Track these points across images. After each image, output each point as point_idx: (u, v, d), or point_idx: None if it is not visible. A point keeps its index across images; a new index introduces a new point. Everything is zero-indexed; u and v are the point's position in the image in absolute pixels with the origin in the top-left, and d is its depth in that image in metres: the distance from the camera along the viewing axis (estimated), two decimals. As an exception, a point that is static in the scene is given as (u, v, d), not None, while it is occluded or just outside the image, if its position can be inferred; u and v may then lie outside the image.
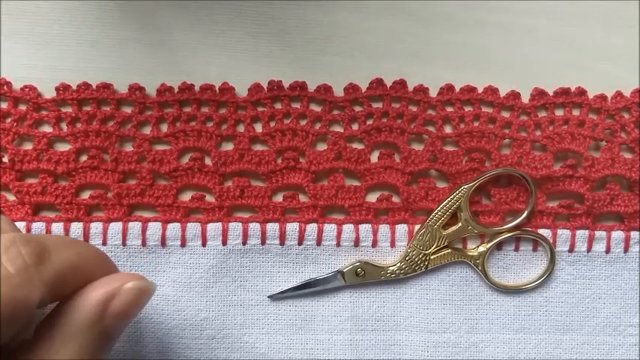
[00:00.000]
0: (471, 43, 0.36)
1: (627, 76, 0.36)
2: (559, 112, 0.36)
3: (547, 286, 0.36)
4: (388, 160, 0.36)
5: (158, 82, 0.35)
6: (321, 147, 0.36)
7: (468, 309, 0.36)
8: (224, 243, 0.35)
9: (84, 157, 0.35)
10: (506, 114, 0.36)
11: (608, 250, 0.36)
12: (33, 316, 0.26)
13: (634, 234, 0.36)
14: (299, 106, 0.36)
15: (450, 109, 0.36)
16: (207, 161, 0.36)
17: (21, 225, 0.34)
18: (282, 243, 0.35)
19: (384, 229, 0.36)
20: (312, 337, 0.36)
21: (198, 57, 0.36)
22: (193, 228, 0.35)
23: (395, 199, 0.36)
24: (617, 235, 0.36)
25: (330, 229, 0.36)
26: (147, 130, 0.36)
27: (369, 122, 0.36)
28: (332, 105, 0.36)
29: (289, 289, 0.35)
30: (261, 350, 0.35)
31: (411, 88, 0.36)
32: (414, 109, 0.36)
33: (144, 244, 0.35)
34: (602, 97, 0.36)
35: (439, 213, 0.35)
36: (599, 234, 0.36)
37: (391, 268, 0.35)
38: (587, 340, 0.36)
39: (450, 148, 0.36)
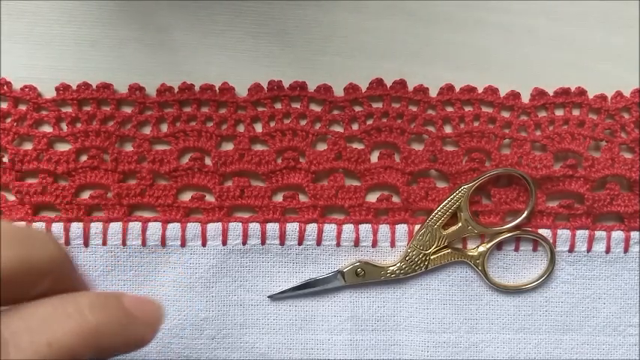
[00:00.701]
0: (471, 43, 0.36)
1: (627, 76, 0.36)
2: (559, 112, 0.36)
3: (547, 286, 0.36)
4: (388, 160, 0.36)
5: (158, 82, 0.35)
6: (321, 147, 0.36)
7: (468, 309, 0.36)
8: (224, 243, 0.35)
9: (84, 157, 0.35)
10: (506, 114, 0.36)
11: (608, 250, 0.36)
12: None
13: (634, 234, 0.36)
14: (299, 106, 0.36)
15: (450, 109, 0.36)
16: (207, 161, 0.36)
17: (21, 225, 0.34)
18: (282, 243, 0.35)
19: (384, 229, 0.36)
20: (312, 337, 0.36)
21: (198, 57, 0.36)
22: (193, 228, 0.35)
23: (395, 199, 0.36)
24: (617, 235, 0.36)
25: (330, 229, 0.36)
26: (147, 130, 0.36)
27: (369, 122, 0.36)
28: (332, 105, 0.36)
29: (289, 289, 0.35)
30: (261, 350, 0.35)
31: (411, 88, 0.36)
32: (414, 109, 0.36)
33: (144, 244, 0.35)
34: (602, 97, 0.36)
35: (439, 213, 0.35)
36: (599, 234, 0.36)
37: (391, 268, 0.35)
38: (587, 340, 0.36)
39: (450, 148, 0.36)
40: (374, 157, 0.36)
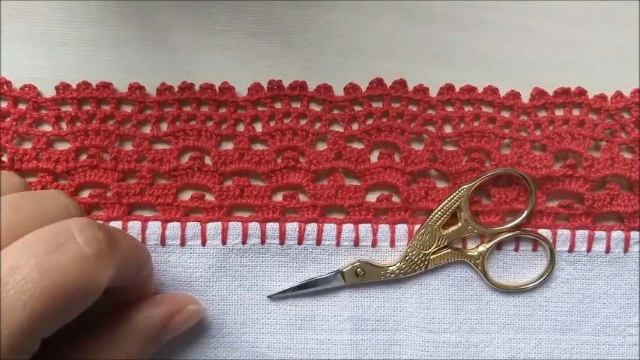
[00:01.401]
0: (471, 43, 0.36)
1: (627, 76, 0.36)
2: (559, 112, 0.36)
3: (547, 286, 0.36)
4: (388, 159, 0.36)
5: (158, 82, 0.35)
6: (321, 147, 0.36)
7: (467, 309, 0.36)
8: (224, 242, 0.35)
9: (83, 156, 0.35)
10: (506, 114, 0.36)
11: (608, 250, 0.36)
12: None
13: (634, 234, 0.36)
14: (299, 106, 0.36)
15: (450, 109, 0.36)
16: (207, 160, 0.36)
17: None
18: (281, 242, 0.35)
19: (383, 228, 0.36)
20: (312, 337, 0.36)
21: (198, 57, 0.36)
22: (193, 227, 0.35)
23: (395, 198, 0.36)
24: (617, 235, 0.36)
25: (329, 228, 0.35)
26: (147, 130, 0.36)
27: (369, 122, 0.36)
28: (332, 105, 0.36)
29: (289, 288, 0.35)
30: (260, 350, 0.35)
31: (411, 88, 0.36)
32: (414, 109, 0.36)
33: (143, 243, 0.35)
34: (602, 97, 0.36)
35: (439, 213, 0.35)
36: (599, 234, 0.36)
37: (391, 268, 0.35)
38: (587, 340, 0.36)
39: (450, 148, 0.36)
40: (374, 157, 0.36)
